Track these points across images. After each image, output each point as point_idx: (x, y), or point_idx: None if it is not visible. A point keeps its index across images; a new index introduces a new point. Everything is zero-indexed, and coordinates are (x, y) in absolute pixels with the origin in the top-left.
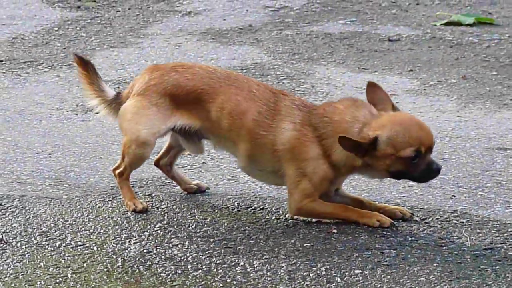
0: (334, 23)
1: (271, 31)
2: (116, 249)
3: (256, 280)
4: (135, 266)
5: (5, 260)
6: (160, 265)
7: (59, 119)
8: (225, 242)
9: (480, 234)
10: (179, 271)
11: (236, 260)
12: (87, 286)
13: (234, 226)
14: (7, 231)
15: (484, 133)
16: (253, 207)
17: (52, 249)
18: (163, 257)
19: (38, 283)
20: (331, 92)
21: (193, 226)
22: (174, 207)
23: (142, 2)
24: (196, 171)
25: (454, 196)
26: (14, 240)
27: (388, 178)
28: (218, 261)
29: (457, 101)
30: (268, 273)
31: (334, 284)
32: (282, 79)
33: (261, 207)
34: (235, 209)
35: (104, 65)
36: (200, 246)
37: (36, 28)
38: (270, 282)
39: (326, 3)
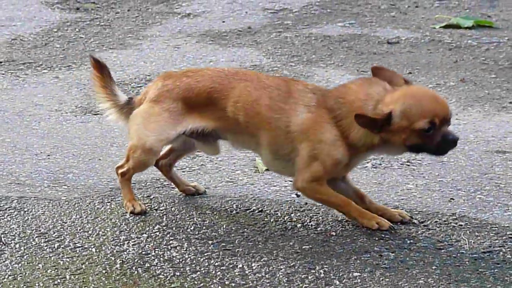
0: (333, 25)
1: (270, 33)
2: (114, 251)
3: (255, 282)
4: (134, 267)
5: (4, 262)
6: (159, 267)
7: (58, 121)
8: (224, 244)
9: (479, 237)
10: (178, 273)
11: (235, 262)
12: (86, 287)
13: (233, 228)
14: (6, 232)
15: (483, 136)
16: (251, 209)
17: (51, 250)
18: (161, 259)
19: (37, 284)
20: None
21: (192, 228)
22: (172, 209)
23: (141, 4)
24: (194, 173)
25: (453, 199)
26: (12, 241)
27: (387, 181)
28: (216, 263)
29: (456, 104)
30: (267, 276)
31: (332, 286)
32: None
33: (260, 209)
34: (234, 211)
35: None
36: (198, 248)
37: (35, 29)
38: (268, 284)
39: (325, 5)
